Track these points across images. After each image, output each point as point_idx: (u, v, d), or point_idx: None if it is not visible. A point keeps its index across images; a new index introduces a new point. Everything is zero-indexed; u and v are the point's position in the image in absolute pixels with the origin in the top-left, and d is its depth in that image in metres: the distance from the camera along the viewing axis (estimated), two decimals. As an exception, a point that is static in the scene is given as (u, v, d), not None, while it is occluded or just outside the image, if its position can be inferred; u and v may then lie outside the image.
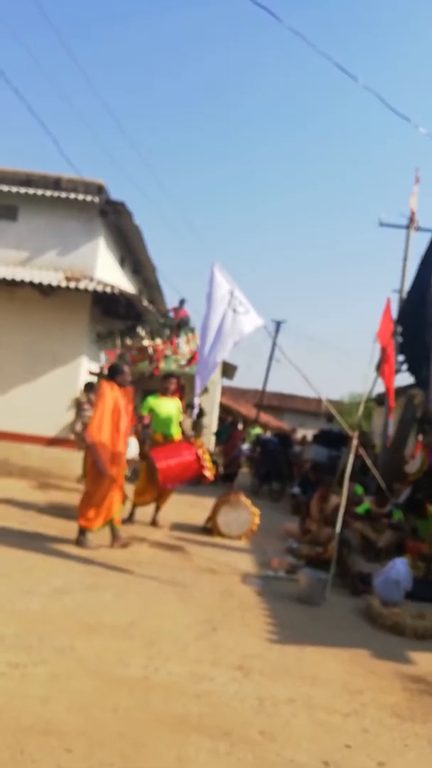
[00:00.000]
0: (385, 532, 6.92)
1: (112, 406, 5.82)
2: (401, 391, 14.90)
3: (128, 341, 13.58)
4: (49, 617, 3.79)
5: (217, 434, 15.66)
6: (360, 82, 8.11)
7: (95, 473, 5.79)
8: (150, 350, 13.50)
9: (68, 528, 6.38)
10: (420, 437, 10.05)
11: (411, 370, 10.19)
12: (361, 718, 3.06)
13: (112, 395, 5.88)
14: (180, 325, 13.75)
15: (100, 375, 11.38)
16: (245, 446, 18.57)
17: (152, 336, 13.81)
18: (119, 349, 13.15)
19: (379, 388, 11.11)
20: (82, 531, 5.78)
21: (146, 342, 13.80)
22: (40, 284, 9.89)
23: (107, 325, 12.25)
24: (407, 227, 16.03)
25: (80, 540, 5.76)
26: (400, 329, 10.86)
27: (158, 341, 13.56)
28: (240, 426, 16.34)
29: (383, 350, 7.41)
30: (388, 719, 3.09)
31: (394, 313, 12.08)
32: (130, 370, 6.56)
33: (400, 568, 5.18)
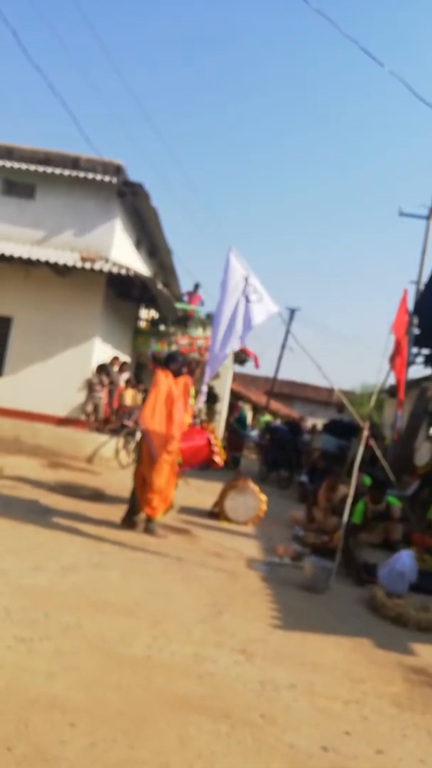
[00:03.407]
0: (397, 527, 6.91)
1: (166, 394, 5.85)
2: (414, 384, 14.83)
3: (179, 333, 13.76)
4: (56, 594, 3.84)
5: (238, 422, 15.59)
6: (386, 68, 7.97)
7: (151, 461, 5.81)
8: (199, 342, 13.64)
9: (77, 507, 6.45)
10: None
11: (428, 361, 10.14)
12: (361, 706, 3.08)
13: (166, 383, 5.92)
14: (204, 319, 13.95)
15: (156, 361, 11.50)
16: (254, 433, 18.58)
17: (202, 328, 13.95)
18: (170, 339, 13.35)
19: (392, 380, 11.06)
20: (149, 520, 5.85)
21: (195, 333, 13.94)
22: (56, 264, 9.90)
23: (122, 307, 12.29)
24: (427, 218, 15.85)
25: (149, 528, 5.85)
26: (416, 321, 10.78)
27: (208, 333, 13.68)
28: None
29: (397, 342, 7.36)
30: (388, 708, 3.11)
31: (411, 304, 11.99)
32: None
33: (405, 560, 5.18)
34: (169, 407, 5.83)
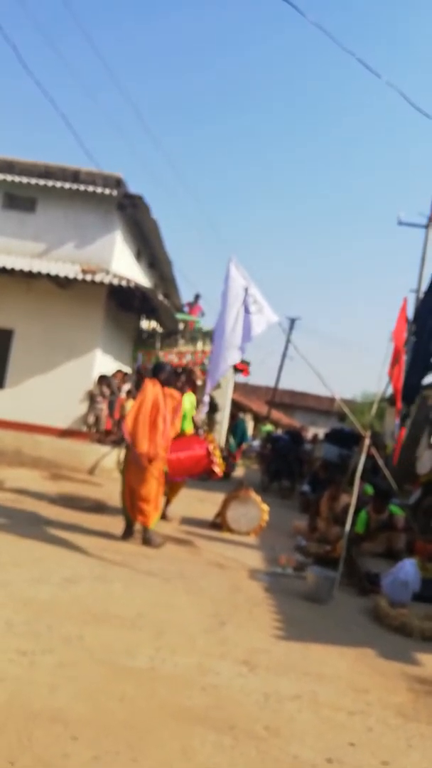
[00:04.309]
0: (400, 536, 6.89)
1: (152, 402, 5.82)
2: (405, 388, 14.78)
3: (168, 345, 13.79)
4: (58, 606, 3.83)
5: (234, 432, 15.60)
6: (383, 79, 8.05)
7: (136, 470, 5.79)
8: (188, 356, 13.68)
9: (79, 518, 6.44)
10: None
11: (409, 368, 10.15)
12: (366, 716, 3.06)
13: (153, 392, 5.88)
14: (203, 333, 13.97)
15: (137, 373, 11.52)
16: (256, 442, 18.57)
17: (192, 342, 13.98)
18: (158, 351, 13.35)
19: (391, 388, 11.06)
20: (146, 530, 5.84)
21: (185, 348, 13.97)
22: (57, 276, 9.95)
23: (126, 319, 12.34)
24: (426, 227, 15.93)
25: (146, 538, 5.82)
26: (414, 329, 10.80)
27: (198, 347, 13.73)
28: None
29: (396, 350, 7.38)
30: (393, 719, 3.09)
31: (411, 313, 12.02)
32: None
33: (408, 569, 5.16)
34: (154, 416, 5.79)
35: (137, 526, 5.93)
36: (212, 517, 7.59)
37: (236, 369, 18.12)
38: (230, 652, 3.56)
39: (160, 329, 13.87)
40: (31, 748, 2.29)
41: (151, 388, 5.90)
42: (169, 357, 13.55)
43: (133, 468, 5.83)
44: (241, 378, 22.60)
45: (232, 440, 15.19)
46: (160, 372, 6.09)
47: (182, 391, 7.23)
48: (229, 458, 13.65)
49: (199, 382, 7.39)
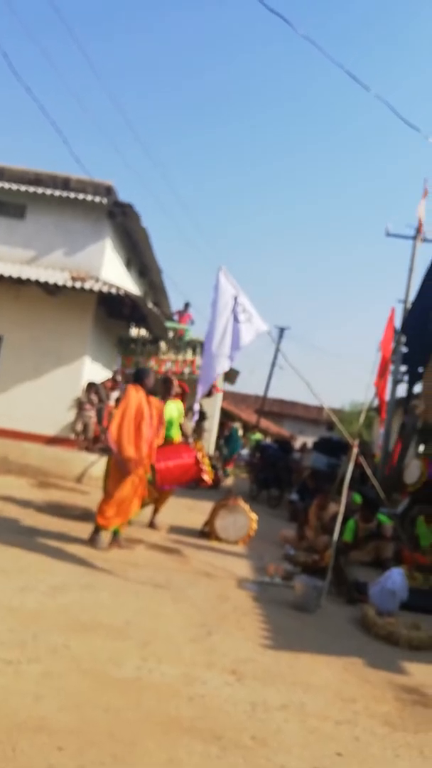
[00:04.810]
0: (388, 545, 6.91)
1: (135, 409, 5.77)
2: (402, 401, 14.90)
3: (149, 352, 13.72)
4: (45, 615, 3.80)
5: (227, 442, 15.63)
6: (372, 92, 8.13)
7: (117, 474, 5.75)
8: (168, 364, 13.63)
9: (66, 527, 6.39)
10: (421, 448, 10.05)
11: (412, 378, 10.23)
12: (353, 726, 3.06)
13: (137, 398, 5.84)
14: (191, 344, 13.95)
15: (114, 378, 11.46)
16: (244, 451, 18.57)
17: (172, 350, 13.93)
18: (138, 357, 13.28)
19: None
20: (97, 529, 5.78)
21: (166, 355, 13.93)
22: (46, 283, 9.92)
23: (116, 326, 12.31)
24: (414, 238, 16.07)
25: (93, 538, 5.76)
26: (403, 339, 10.88)
27: (180, 357, 13.69)
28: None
29: (384, 360, 7.43)
30: (380, 728, 3.09)
31: (398, 323, 12.11)
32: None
33: (396, 578, 5.18)
34: (138, 422, 5.75)
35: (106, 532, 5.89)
36: (201, 526, 7.57)
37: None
38: (217, 662, 3.54)
39: (144, 335, 13.82)
40: (16, 759, 2.26)
41: (134, 394, 5.86)
42: (149, 364, 13.52)
43: (112, 471, 5.81)
44: (228, 387, 22.62)
45: (225, 449, 15.20)
46: (143, 378, 6.06)
47: (165, 398, 7.22)
48: (218, 467, 13.65)
49: (177, 390, 7.35)
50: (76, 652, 3.32)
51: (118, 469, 5.74)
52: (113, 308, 11.37)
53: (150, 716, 2.77)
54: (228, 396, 26.93)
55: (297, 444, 19.68)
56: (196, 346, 14.23)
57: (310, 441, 17.77)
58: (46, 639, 3.41)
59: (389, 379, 10.94)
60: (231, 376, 21.61)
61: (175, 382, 7.37)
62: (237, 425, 21.23)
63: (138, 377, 6.10)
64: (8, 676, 2.92)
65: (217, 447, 15.80)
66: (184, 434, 7.32)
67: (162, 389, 7.33)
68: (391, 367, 10.19)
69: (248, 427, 28.31)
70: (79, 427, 10.50)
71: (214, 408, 17.02)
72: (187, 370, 13.76)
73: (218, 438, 15.67)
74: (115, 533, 5.93)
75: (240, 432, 28.27)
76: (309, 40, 7.45)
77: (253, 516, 7.43)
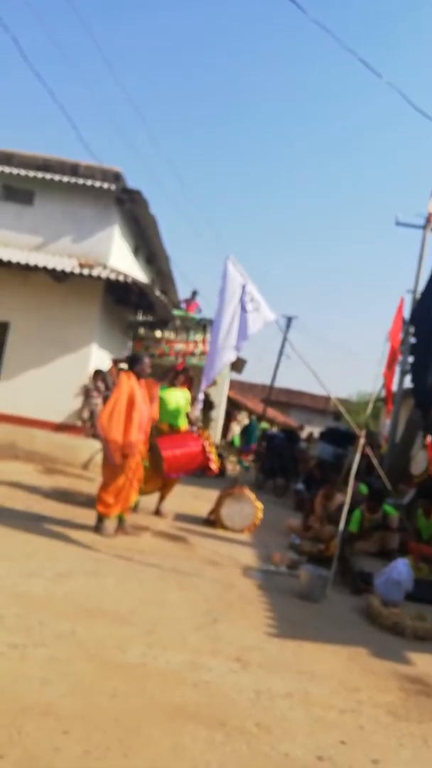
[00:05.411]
0: (394, 536, 6.90)
1: (127, 396, 5.76)
2: (411, 392, 14.81)
3: (157, 334, 13.68)
4: (51, 601, 3.82)
5: (246, 432, 15.69)
6: (384, 79, 8.02)
7: (110, 463, 5.78)
8: (178, 346, 13.60)
9: (73, 513, 6.42)
10: (428, 438, 10.01)
11: (413, 372, 10.12)
12: (357, 715, 3.06)
13: (128, 385, 5.82)
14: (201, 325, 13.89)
15: (122, 361, 11.45)
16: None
17: (180, 332, 13.88)
18: (148, 341, 13.26)
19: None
20: (101, 518, 5.81)
21: (173, 337, 13.88)
22: (54, 270, 9.90)
23: (123, 313, 12.29)
24: (423, 227, 15.90)
25: (98, 527, 5.79)
26: (412, 330, 10.80)
27: (187, 338, 13.65)
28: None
29: (393, 351, 7.38)
30: (384, 717, 3.10)
31: (407, 313, 12.02)
32: (152, 362, 6.53)
33: (401, 568, 5.17)
34: (129, 410, 5.72)
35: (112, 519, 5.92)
36: (206, 514, 7.59)
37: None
38: (222, 649, 3.56)
39: (152, 319, 13.78)
40: (22, 742, 2.28)
41: (126, 382, 5.84)
42: (159, 347, 13.51)
43: (108, 462, 5.83)
44: (235, 376, 22.63)
45: (236, 440, 15.25)
46: (135, 364, 6.04)
47: (173, 386, 7.21)
48: (225, 455, 13.68)
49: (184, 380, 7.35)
50: (82, 637, 3.33)
51: (109, 460, 5.76)
52: (121, 295, 11.35)
53: (155, 702, 2.78)
54: (235, 385, 26.90)
55: (304, 434, 19.67)
56: (206, 325, 14.15)
57: (316, 431, 17.77)
58: (52, 625, 3.43)
59: (397, 369, 10.88)
60: (238, 365, 21.59)
61: (181, 377, 7.35)
62: (254, 418, 21.29)
63: (130, 364, 6.09)
64: (14, 660, 2.94)
65: (228, 438, 15.88)
66: (190, 422, 7.33)
67: (170, 378, 7.33)
68: (400, 358, 10.11)
69: (254, 417, 28.31)
70: (86, 414, 10.52)
71: (220, 397, 17.01)
72: (198, 350, 13.70)
73: (225, 427, 15.72)
74: (121, 520, 5.95)
75: (245, 421, 28.31)
76: (320, 26, 7.37)
77: (259, 505, 7.44)
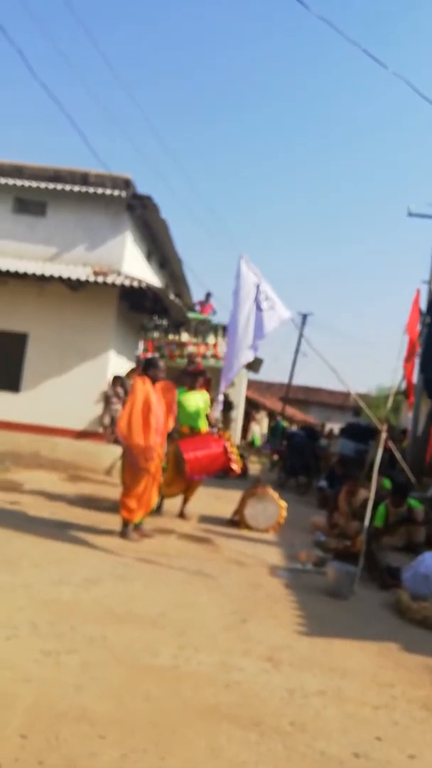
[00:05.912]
0: (420, 529, 6.85)
1: (143, 401, 5.78)
2: (422, 383, 14.67)
3: (170, 336, 13.73)
4: (80, 607, 3.85)
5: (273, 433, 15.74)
6: (390, 70, 7.98)
7: (131, 467, 5.82)
8: (190, 348, 13.64)
9: (97, 519, 6.47)
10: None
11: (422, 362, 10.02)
12: (391, 710, 3.05)
13: (143, 390, 5.83)
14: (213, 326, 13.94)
15: (136, 366, 11.54)
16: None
17: (195, 335, 13.93)
18: (159, 342, 13.32)
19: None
20: (126, 523, 5.86)
21: (186, 338, 13.93)
22: (69, 279, 9.99)
23: (138, 319, 12.35)
24: (436, 217, 15.74)
25: (124, 532, 5.85)
26: (428, 320, 10.71)
27: (201, 340, 13.70)
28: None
29: (411, 343, 7.32)
30: (419, 712, 3.08)
31: (423, 304, 11.92)
32: (165, 365, 6.55)
33: (429, 562, 5.13)
34: (146, 414, 5.74)
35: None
36: (230, 515, 7.60)
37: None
38: (253, 649, 3.56)
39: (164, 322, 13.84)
40: (59, 748, 2.31)
41: (141, 387, 5.85)
42: (171, 348, 13.57)
43: (127, 466, 5.87)
44: (252, 375, 22.63)
45: (257, 440, 15.28)
46: (150, 368, 6.05)
47: (192, 389, 7.23)
48: (246, 456, 13.67)
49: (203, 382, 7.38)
50: (113, 642, 3.36)
51: (131, 465, 5.79)
52: (135, 301, 11.41)
53: (188, 704, 2.80)
54: (252, 384, 26.88)
55: (324, 431, 19.60)
56: (218, 330, 14.20)
57: (336, 427, 17.69)
58: (83, 630, 3.46)
59: (417, 361, 10.79)
60: (255, 364, 21.57)
61: (200, 380, 7.37)
62: (281, 419, 21.31)
63: (145, 368, 6.12)
64: (49, 667, 2.97)
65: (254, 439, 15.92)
66: (210, 424, 7.34)
67: (189, 381, 7.35)
68: (419, 350, 10.03)
69: (273, 415, 28.27)
70: (107, 420, 10.59)
71: (239, 397, 17.02)
72: (209, 353, 13.75)
73: (244, 427, 15.74)
74: (137, 523, 5.98)
75: (264, 420, 28.28)
76: (325, 21, 7.34)
77: (283, 504, 7.43)
